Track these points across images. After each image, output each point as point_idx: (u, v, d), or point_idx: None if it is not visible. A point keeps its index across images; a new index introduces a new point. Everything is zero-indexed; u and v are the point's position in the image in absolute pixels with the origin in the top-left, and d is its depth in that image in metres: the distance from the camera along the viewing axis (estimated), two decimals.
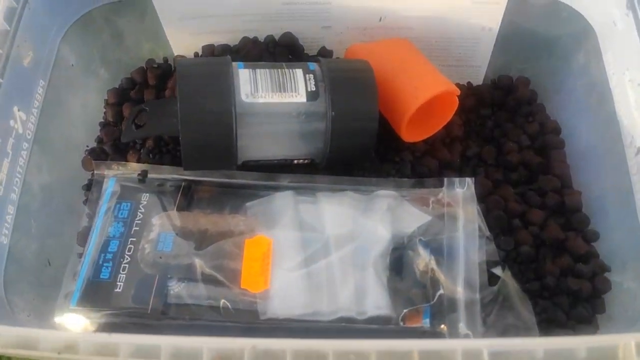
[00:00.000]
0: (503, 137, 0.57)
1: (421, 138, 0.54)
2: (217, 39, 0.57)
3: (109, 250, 0.46)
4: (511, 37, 0.57)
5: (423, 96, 0.49)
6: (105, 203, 0.49)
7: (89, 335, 0.36)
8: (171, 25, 0.56)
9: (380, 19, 0.55)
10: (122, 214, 0.48)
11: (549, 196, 0.51)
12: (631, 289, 0.43)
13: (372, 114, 0.46)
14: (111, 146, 0.55)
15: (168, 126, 0.47)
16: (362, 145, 0.48)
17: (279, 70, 0.46)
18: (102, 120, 0.58)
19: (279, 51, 0.56)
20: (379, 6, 0.54)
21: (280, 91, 0.45)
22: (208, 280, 0.44)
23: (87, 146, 0.56)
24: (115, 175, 0.50)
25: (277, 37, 0.57)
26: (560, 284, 0.45)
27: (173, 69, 0.59)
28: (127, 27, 0.56)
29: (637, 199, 0.43)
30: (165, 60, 0.59)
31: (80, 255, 0.47)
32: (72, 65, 0.54)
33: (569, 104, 0.55)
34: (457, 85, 0.60)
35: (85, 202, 0.52)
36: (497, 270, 0.45)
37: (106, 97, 0.58)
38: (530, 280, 0.46)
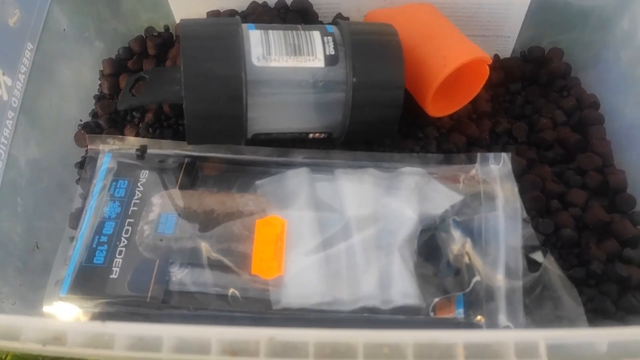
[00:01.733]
0: (535, 113, 0.52)
1: (447, 113, 0.49)
2: (223, 4, 0.52)
3: (104, 232, 0.41)
4: (543, 6, 0.52)
5: (451, 64, 0.44)
6: (100, 181, 0.44)
7: (79, 325, 0.31)
8: None
9: None
10: (118, 192, 0.43)
11: (590, 175, 0.46)
12: None
13: (399, 81, 0.42)
14: (107, 120, 0.50)
15: (170, 93, 0.42)
16: (386, 117, 0.43)
17: (294, 32, 0.41)
18: (97, 93, 0.53)
19: (291, 17, 0.51)
20: None
21: (295, 54, 0.40)
22: (215, 265, 0.40)
23: (81, 120, 0.51)
24: (112, 151, 0.46)
25: (289, 2, 0.52)
26: (608, 270, 0.41)
27: (175, 37, 0.54)
28: None
29: None
30: (167, 28, 0.55)
31: (72, 239, 0.43)
32: (64, 30, 0.49)
33: (608, 78, 0.50)
34: None
35: (78, 181, 0.48)
36: (537, 256, 0.40)
37: (101, 68, 0.54)
38: (574, 267, 0.41)
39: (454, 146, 0.48)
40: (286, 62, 0.40)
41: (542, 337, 0.27)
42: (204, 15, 0.53)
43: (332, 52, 0.41)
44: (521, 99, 0.53)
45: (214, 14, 0.52)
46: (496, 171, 0.42)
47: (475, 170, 0.43)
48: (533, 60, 0.55)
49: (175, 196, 0.43)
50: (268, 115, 0.42)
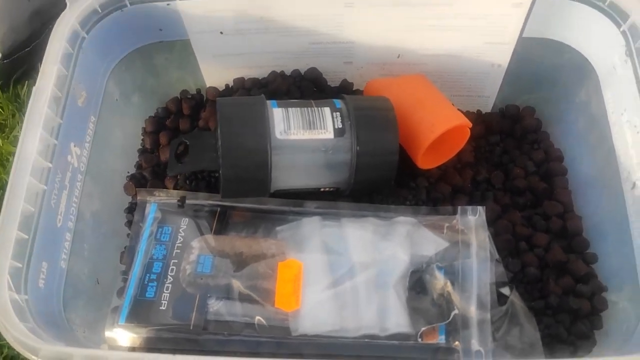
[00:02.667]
0: (510, 162, 0.62)
1: (435, 165, 0.58)
2: (248, 73, 0.62)
3: (153, 271, 0.51)
4: (518, 71, 0.61)
5: (438, 130, 0.54)
6: (148, 227, 0.54)
7: (153, 356, 0.40)
8: (206, 61, 0.61)
9: (398, 56, 0.60)
10: (164, 237, 0.53)
11: (553, 221, 0.55)
12: (626, 308, 0.48)
13: (393, 149, 0.51)
14: (150, 172, 0.59)
15: (209, 161, 0.52)
16: (383, 176, 0.53)
17: (309, 108, 0.51)
18: (140, 147, 0.63)
19: (305, 85, 0.61)
20: (396, 44, 0.59)
21: (310, 128, 0.50)
22: (244, 299, 0.49)
23: (128, 172, 0.60)
24: (156, 201, 0.55)
25: (302, 72, 0.62)
26: (563, 302, 0.50)
27: (205, 99, 0.64)
28: (163, 62, 0.61)
29: (633, 228, 0.48)
30: (198, 91, 0.64)
31: (123, 273, 0.52)
32: (117, 100, 0.58)
33: (571, 134, 0.60)
34: (467, 113, 0.65)
35: (126, 224, 0.57)
36: (505, 290, 0.50)
37: (144, 126, 0.63)
38: (536, 299, 0.51)
39: (440, 194, 0.57)
40: (303, 135, 0.50)
41: None
42: (231, 80, 0.63)
43: (340, 126, 0.50)
44: (499, 150, 0.63)
45: (240, 81, 0.62)
46: (472, 222, 0.52)
47: (456, 220, 0.52)
48: (509, 116, 0.65)
49: (211, 240, 0.52)
50: (287, 175, 0.52)
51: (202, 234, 0.53)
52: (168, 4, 0.54)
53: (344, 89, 0.63)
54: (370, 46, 0.59)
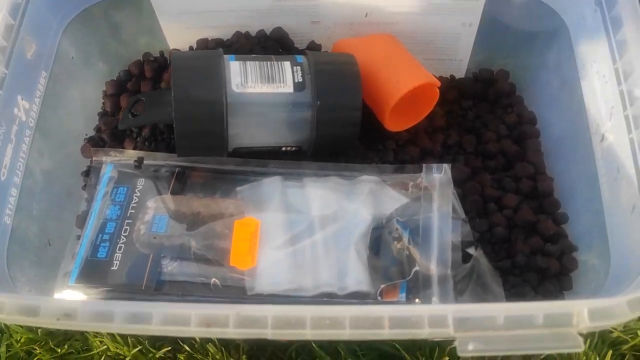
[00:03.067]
0: (483, 127, 0.60)
1: (404, 127, 0.56)
2: (211, 34, 0.60)
3: (106, 231, 0.49)
4: (492, 33, 0.59)
5: (404, 88, 0.52)
6: (103, 187, 0.52)
7: (86, 303, 0.39)
8: (167, 20, 0.59)
9: (366, 15, 0.58)
10: (118, 197, 0.51)
11: (523, 182, 0.54)
12: (595, 266, 0.46)
13: (356, 104, 0.49)
14: (109, 134, 0.57)
15: (163, 115, 0.50)
16: (346, 134, 0.51)
17: (268, 62, 0.49)
18: (101, 111, 0.61)
19: (270, 45, 0.59)
20: (364, 3, 0.57)
21: (268, 82, 0.48)
22: (199, 259, 0.47)
23: (86, 135, 0.58)
24: (113, 162, 0.53)
25: (268, 32, 0.60)
26: (530, 262, 0.48)
27: (169, 62, 0.62)
28: (124, 22, 0.59)
29: (602, 183, 0.46)
30: (162, 53, 0.62)
31: (79, 237, 0.50)
32: (72, 58, 0.57)
33: (544, 96, 0.58)
34: (440, 78, 0.63)
35: (84, 187, 0.55)
36: (471, 250, 0.48)
37: (104, 89, 0.61)
38: (503, 259, 0.49)
39: (409, 157, 0.55)
40: (261, 89, 0.48)
41: (451, 310, 0.34)
42: (194, 42, 0.61)
43: (300, 80, 0.48)
44: (472, 114, 0.61)
45: (203, 42, 0.60)
46: (437, 179, 0.50)
47: (421, 178, 0.50)
48: (483, 80, 0.63)
49: (167, 200, 0.51)
50: (246, 132, 0.50)
51: (159, 194, 0.51)
52: None
53: (312, 51, 0.60)
54: (337, 3, 0.57)
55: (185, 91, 0.47)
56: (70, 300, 0.44)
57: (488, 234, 0.50)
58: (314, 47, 0.61)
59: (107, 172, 0.53)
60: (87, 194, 0.52)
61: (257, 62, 0.49)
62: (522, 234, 0.50)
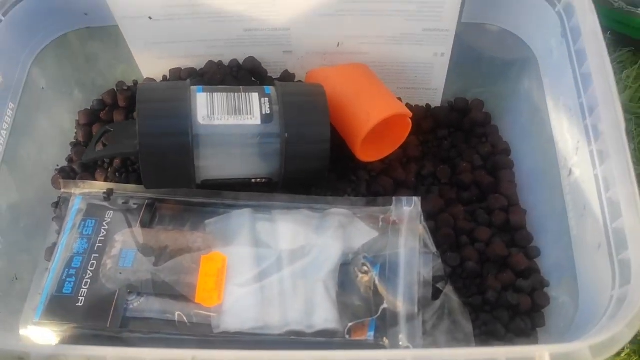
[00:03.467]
0: (458, 157, 0.60)
1: (377, 158, 0.56)
2: (185, 63, 0.60)
3: (73, 265, 0.48)
4: (467, 62, 0.59)
5: (375, 119, 0.52)
6: (71, 220, 0.51)
7: (40, 347, 0.38)
8: (139, 50, 0.58)
9: (338, 45, 0.58)
10: (86, 230, 0.50)
11: (496, 214, 0.53)
12: (566, 303, 0.45)
13: (324, 136, 0.49)
14: (80, 165, 0.57)
15: (128, 147, 0.49)
16: (315, 166, 0.50)
17: (236, 93, 0.49)
18: (74, 140, 0.60)
19: (242, 75, 0.59)
20: (336, 33, 0.57)
21: (236, 114, 0.48)
22: (166, 294, 0.46)
23: (58, 165, 0.58)
24: (82, 194, 0.52)
25: (241, 61, 0.59)
26: (502, 298, 0.48)
27: None
28: (100, 51, 0.59)
29: (570, 218, 0.46)
30: (136, 82, 0.62)
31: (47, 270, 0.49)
32: (43, 88, 0.56)
33: (517, 127, 0.58)
34: (416, 107, 0.63)
35: (55, 219, 0.55)
36: (441, 285, 0.47)
37: (77, 118, 0.61)
38: (474, 295, 0.48)
39: (381, 188, 0.55)
40: (227, 121, 0.47)
41: (410, 356, 0.34)
42: (167, 71, 0.61)
43: (268, 111, 0.48)
44: (447, 144, 0.61)
45: (176, 72, 0.60)
46: (407, 212, 0.49)
47: (391, 211, 0.50)
48: (458, 110, 0.63)
49: (136, 233, 0.50)
50: (214, 164, 0.49)
51: (128, 227, 0.50)
52: None
53: (285, 81, 0.60)
54: (309, 34, 0.57)
55: (150, 123, 0.46)
56: (25, 344, 0.43)
57: (460, 269, 0.50)
58: (287, 76, 0.61)
59: (76, 204, 0.52)
60: (57, 226, 0.52)
61: (224, 94, 0.49)
62: (494, 269, 0.50)
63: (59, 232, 0.51)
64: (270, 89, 0.50)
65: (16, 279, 0.51)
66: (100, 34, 0.57)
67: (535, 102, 0.53)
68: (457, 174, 0.58)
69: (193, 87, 0.50)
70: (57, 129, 0.59)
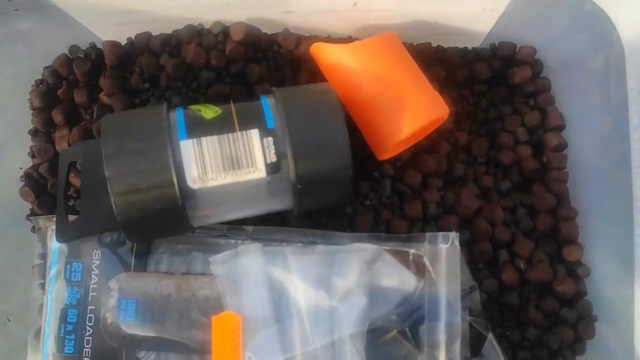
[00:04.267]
0: (499, 120, 0.50)
1: (397, 152, 0.46)
2: (153, 27, 0.46)
3: (69, 320, 0.43)
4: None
5: (406, 131, 0.42)
6: (54, 265, 0.44)
7: None
8: (90, 20, 0.44)
9: (354, 4, 0.43)
10: (74, 276, 0.44)
11: (542, 218, 0.46)
12: (610, 348, 0.42)
13: (346, 179, 0.39)
14: (47, 169, 0.47)
15: (109, 223, 0.40)
16: (335, 197, 0.42)
17: (230, 136, 0.38)
18: (32, 128, 0.49)
19: (233, 49, 0.45)
20: None
21: (233, 168, 0.38)
22: (179, 349, 0.43)
23: (21, 168, 0.48)
24: None
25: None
26: (543, 335, 0.44)
27: (102, 60, 0.48)
28: (34, 29, 0.45)
29: (637, 234, 0.39)
30: (93, 46, 0.48)
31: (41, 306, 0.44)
32: None
33: (578, 107, 0.47)
34: (448, 50, 0.50)
35: (33, 230, 0.48)
36: (479, 325, 0.43)
37: (29, 97, 0.49)
38: (512, 328, 0.44)
39: (408, 188, 0.47)
40: (224, 179, 0.38)
41: None
42: (132, 33, 0.47)
43: (274, 159, 0.38)
44: (486, 102, 0.50)
45: (144, 38, 0.46)
46: (443, 252, 0.42)
47: (424, 248, 0.43)
48: (502, 57, 0.50)
49: (131, 279, 0.44)
50: (213, 215, 0.41)
51: (120, 271, 0.44)
52: None
53: (287, 53, 0.47)
54: None
55: (126, 189, 0.36)
56: None
57: (497, 294, 0.45)
58: (287, 38, 0.47)
59: (55, 243, 0.44)
60: (36, 275, 0.45)
61: (215, 138, 0.38)
62: (535, 292, 0.45)
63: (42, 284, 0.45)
64: (272, 119, 0.39)
65: (9, 320, 0.46)
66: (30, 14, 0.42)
67: (610, 82, 0.42)
68: (496, 147, 0.49)
69: (171, 114, 0.39)
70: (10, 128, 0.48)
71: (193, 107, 0.40)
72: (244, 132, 0.38)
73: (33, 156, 0.49)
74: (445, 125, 0.48)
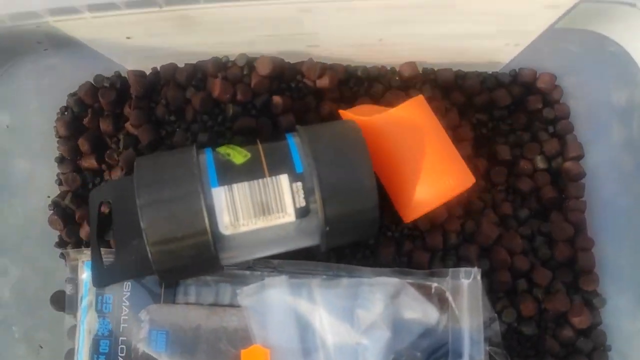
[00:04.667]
0: (517, 146, 0.51)
1: (425, 211, 0.45)
2: (180, 59, 0.46)
3: (101, 351, 0.45)
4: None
5: (434, 203, 0.43)
6: (85, 296, 0.45)
7: None
8: (118, 57, 0.45)
9: (380, 40, 0.44)
10: (105, 308, 0.45)
11: (560, 248, 0.47)
12: None
13: (372, 220, 0.40)
14: (72, 200, 0.48)
15: (143, 268, 0.40)
16: (362, 234, 0.43)
17: (260, 181, 0.38)
18: (58, 155, 0.50)
19: (258, 83, 0.46)
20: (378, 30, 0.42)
21: (264, 214, 0.38)
22: None
23: (49, 196, 0.49)
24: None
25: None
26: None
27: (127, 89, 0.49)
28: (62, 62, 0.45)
29: None
30: (118, 75, 0.48)
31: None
32: (7, 127, 0.44)
33: (599, 140, 0.47)
34: (467, 75, 0.51)
35: (62, 256, 0.49)
36: (498, 355, 0.44)
37: (55, 125, 0.50)
38: (530, 357, 0.46)
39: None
40: (255, 224, 0.39)
41: None
42: (157, 65, 0.47)
43: (303, 204, 0.39)
44: (506, 128, 0.51)
45: (170, 70, 0.46)
46: (465, 287, 0.44)
47: (447, 283, 0.44)
48: (522, 83, 0.51)
49: (161, 311, 0.45)
50: (242, 255, 0.42)
51: (150, 301, 0.45)
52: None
53: (311, 74, 0.47)
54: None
55: (161, 238, 0.37)
56: None
57: (515, 323, 0.46)
58: (311, 66, 0.47)
59: (87, 276, 0.46)
60: (68, 307, 0.46)
61: (246, 185, 0.38)
62: (553, 321, 0.46)
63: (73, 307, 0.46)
64: (300, 163, 0.39)
65: (41, 347, 0.48)
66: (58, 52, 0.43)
67: (632, 122, 0.43)
68: (514, 174, 0.50)
69: (201, 155, 0.40)
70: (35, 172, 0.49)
71: (222, 150, 0.40)
72: (273, 177, 0.39)
73: (60, 183, 0.50)
74: (464, 151, 0.49)
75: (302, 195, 0.39)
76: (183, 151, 0.40)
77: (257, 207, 0.38)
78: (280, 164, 0.39)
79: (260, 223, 0.39)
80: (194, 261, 0.39)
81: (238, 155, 0.40)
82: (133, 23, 0.38)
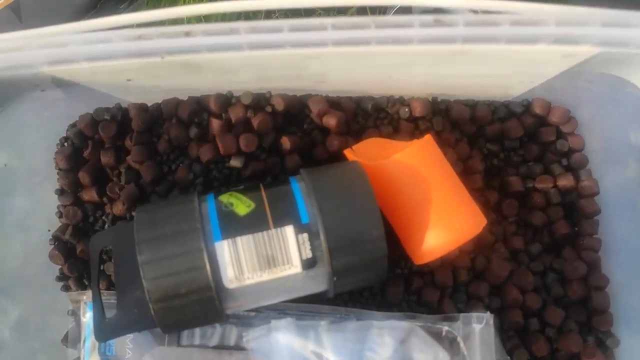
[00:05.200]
0: (529, 177, 0.49)
1: (437, 256, 0.43)
2: (183, 94, 0.45)
3: None
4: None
5: (446, 248, 0.42)
6: (88, 338, 0.45)
7: None
8: (121, 94, 0.43)
9: (390, 76, 0.42)
10: (109, 351, 0.45)
11: (573, 288, 0.46)
12: None
13: (381, 268, 0.39)
14: (72, 233, 0.47)
15: (146, 322, 0.39)
16: (371, 280, 0.42)
17: (265, 233, 0.37)
18: (58, 188, 0.49)
19: (263, 124, 0.44)
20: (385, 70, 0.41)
21: (269, 267, 0.37)
22: None
23: (49, 230, 0.48)
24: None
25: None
26: None
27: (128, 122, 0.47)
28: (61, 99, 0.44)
29: None
30: (119, 107, 0.47)
31: None
32: (5, 165, 0.43)
33: (614, 180, 0.46)
34: (478, 105, 0.49)
35: (63, 288, 0.48)
36: None
37: (54, 157, 0.48)
38: None
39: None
40: (260, 277, 0.37)
41: None
42: (159, 99, 0.46)
43: (309, 255, 0.38)
44: (518, 159, 0.50)
45: (171, 105, 0.45)
46: (477, 332, 0.43)
47: (458, 328, 0.43)
48: (535, 115, 0.49)
49: (166, 355, 0.44)
50: (246, 306, 0.41)
51: (154, 343, 0.44)
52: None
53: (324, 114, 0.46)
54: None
55: (164, 295, 0.36)
56: None
57: None
58: (317, 101, 0.45)
59: (89, 317, 0.45)
60: (70, 344, 0.45)
61: (250, 237, 0.37)
62: None
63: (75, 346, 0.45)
64: (306, 213, 0.38)
65: None
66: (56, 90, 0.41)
67: None
68: (526, 207, 0.49)
69: (204, 204, 0.38)
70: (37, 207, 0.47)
71: (224, 199, 0.39)
72: (278, 229, 0.38)
73: (60, 216, 0.48)
74: (475, 183, 0.48)
75: (308, 247, 0.38)
76: (185, 201, 0.39)
77: (262, 260, 0.37)
78: (285, 214, 0.38)
79: (266, 276, 0.38)
80: (198, 314, 0.38)
81: (242, 205, 0.38)
82: (134, 70, 0.36)
